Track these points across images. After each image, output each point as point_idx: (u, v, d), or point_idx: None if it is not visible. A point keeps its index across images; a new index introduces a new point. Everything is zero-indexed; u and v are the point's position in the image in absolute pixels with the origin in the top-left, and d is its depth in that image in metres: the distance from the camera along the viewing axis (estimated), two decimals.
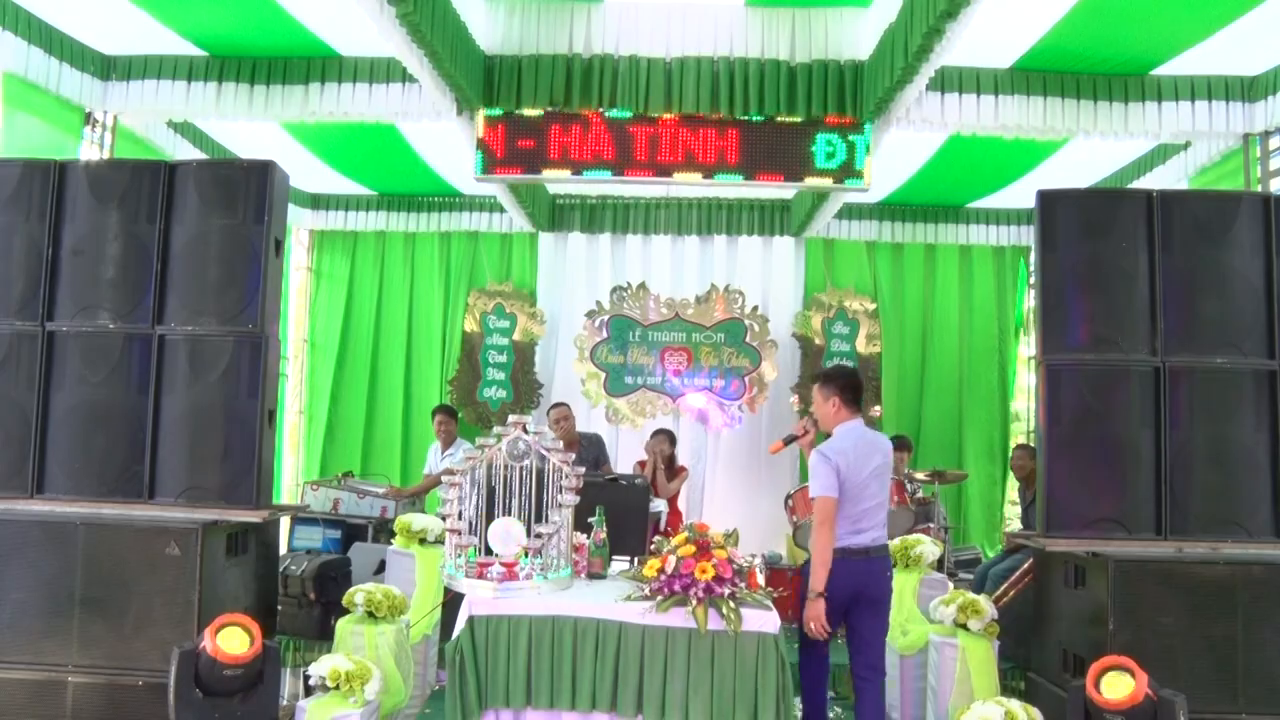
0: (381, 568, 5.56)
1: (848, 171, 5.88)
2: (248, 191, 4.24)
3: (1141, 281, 4.16)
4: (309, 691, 3.68)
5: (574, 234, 8.57)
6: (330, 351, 8.64)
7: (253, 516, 4.13)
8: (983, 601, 4.22)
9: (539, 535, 3.45)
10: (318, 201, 8.57)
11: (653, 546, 3.69)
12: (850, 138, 5.85)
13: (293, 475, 8.47)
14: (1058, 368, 4.26)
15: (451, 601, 4.08)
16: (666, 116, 5.88)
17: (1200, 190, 6.04)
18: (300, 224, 8.54)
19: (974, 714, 3.58)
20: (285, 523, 6.25)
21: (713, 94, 5.83)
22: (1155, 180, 6.65)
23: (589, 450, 6.56)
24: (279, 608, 5.03)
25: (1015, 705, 3.59)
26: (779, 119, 5.85)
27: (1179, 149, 6.43)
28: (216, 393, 4.17)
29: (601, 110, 5.89)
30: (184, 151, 6.69)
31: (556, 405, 6.81)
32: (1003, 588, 5.52)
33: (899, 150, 6.58)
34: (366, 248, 8.72)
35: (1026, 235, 8.15)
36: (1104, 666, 3.36)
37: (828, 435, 4.05)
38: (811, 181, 5.95)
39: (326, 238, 8.78)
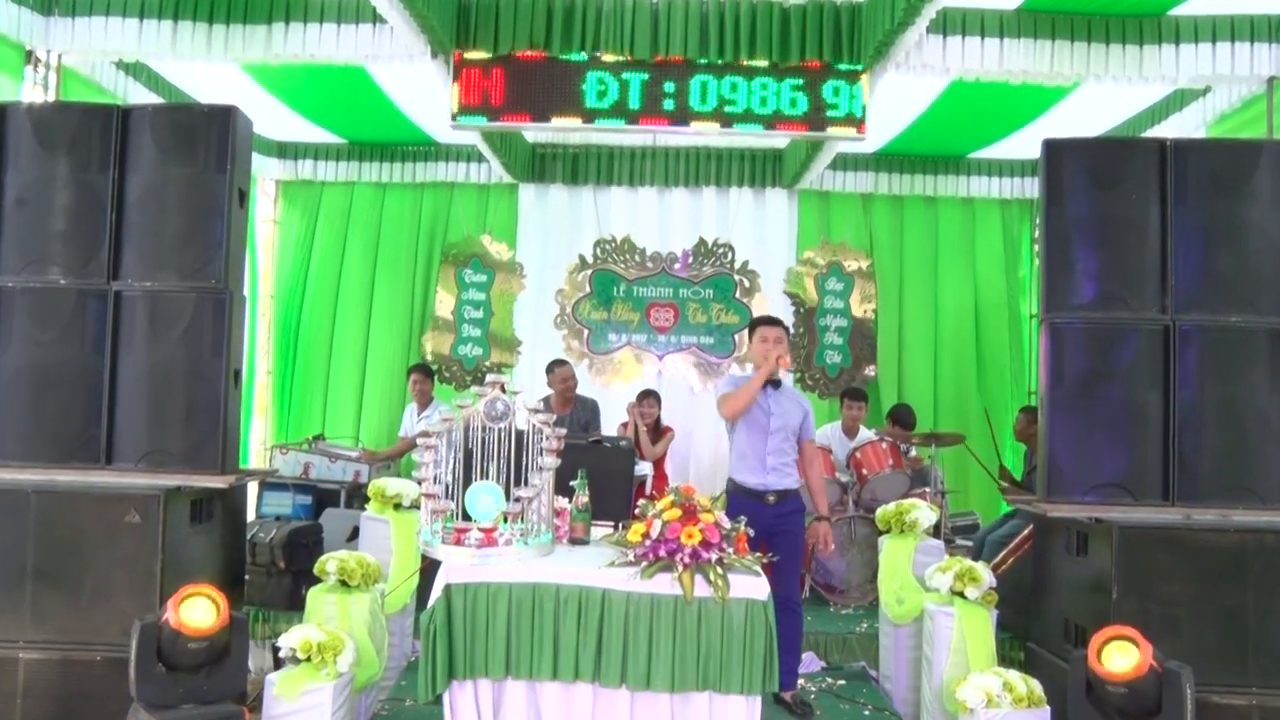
0: (355, 534, 5.55)
1: (846, 120, 5.79)
2: (209, 139, 4.15)
3: (1152, 236, 4.13)
4: (278, 664, 3.70)
5: (555, 185, 8.46)
6: (299, 308, 8.53)
7: (218, 482, 4.09)
8: (980, 569, 4.23)
9: (519, 499, 3.43)
10: (284, 150, 8.41)
11: (637, 511, 3.68)
12: (848, 84, 5.75)
13: (261, 438, 8.40)
14: (1061, 326, 4.26)
15: (428, 569, 4.08)
16: (655, 60, 5.75)
17: (1218, 139, 5.93)
18: (265, 174, 8.38)
19: (971, 685, 3.62)
20: (253, 488, 6.20)
21: (701, 38, 5.71)
22: (1170, 129, 6.53)
23: (581, 413, 6.56)
24: (247, 577, 5.01)
25: (1014, 676, 3.64)
26: (775, 64, 5.74)
27: (1197, 95, 6.30)
28: (178, 352, 4.11)
29: (585, 54, 5.76)
30: (137, 95, 6.51)
31: (562, 363, 6.81)
32: (1001, 554, 5.53)
33: (897, 97, 6.48)
34: (336, 199, 8.57)
35: (1033, 187, 8.07)
36: (1107, 637, 3.35)
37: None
38: (812, 131, 5.88)
39: (293, 188, 8.63)
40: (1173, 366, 4.08)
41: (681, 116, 5.78)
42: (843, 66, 5.73)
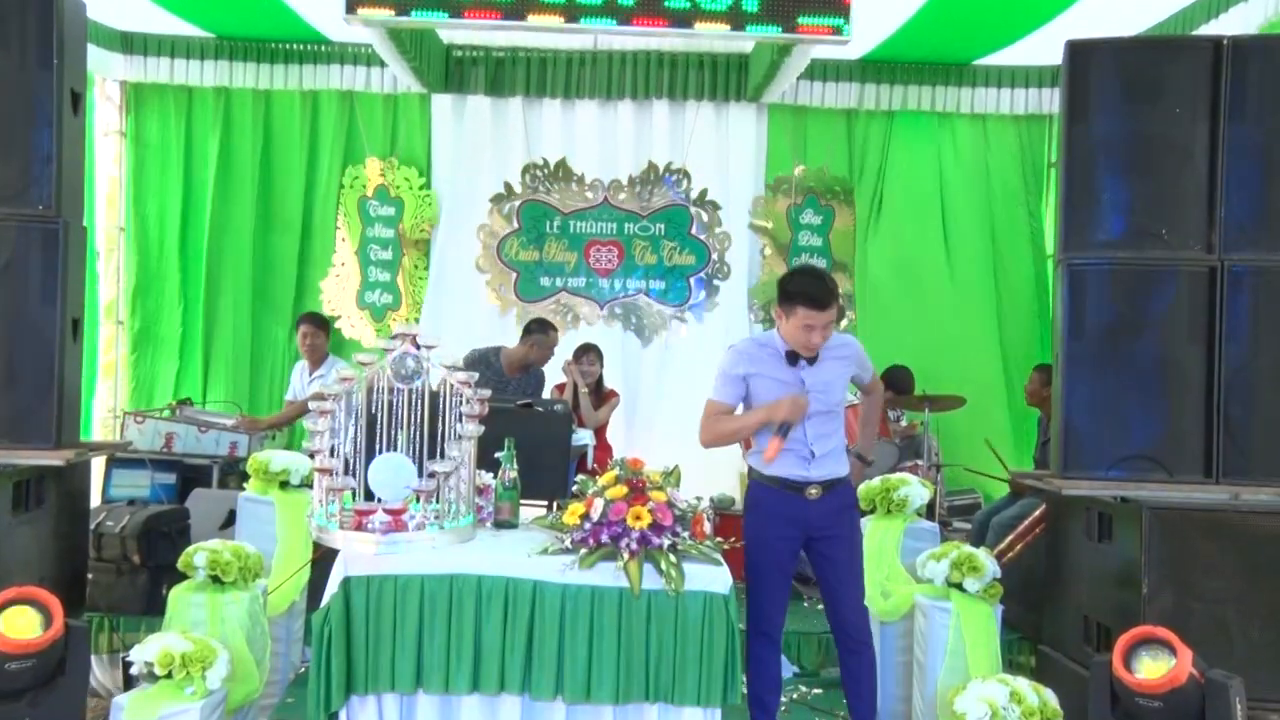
0: (231, 520, 5.50)
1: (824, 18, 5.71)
2: (24, 23, 3.99)
3: (1199, 158, 4.11)
4: (130, 683, 3.63)
5: (476, 96, 8.31)
6: (158, 244, 8.28)
7: (51, 458, 4.02)
8: (982, 556, 4.23)
9: (433, 475, 3.42)
10: (130, 43, 8.04)
11: (575, 488, 3.71)
12: None
13: (108, 404, 8.19)
14: (1082, 268, 4.28)
15: (322, 560, 4.06)
16: None
17: None
18: (107, 72, 8.01)
19: (971, 695, 3.61)
20: (99, 465, 5.99)
21: None
22: (1229, 25, 6.29)
23: (530, 381, 6.55)
24: (90, 576, 4.93)
25: (1023, 685, 3.63)
26: None
27: None
28: None
29: None
30: None
31: (554, 329, 6.83)
32: (1008, 540, 5.57)
33: None
34: (204, 108, 8.30)
35: (1053, 101, 8.00)
36: (1136, 639, 3.35)
37: None
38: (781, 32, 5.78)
39: (147, 93, 8.30)
40: (1219, 316, 4.08)
41: (616, 13, 5.65)
42: None
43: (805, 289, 3.81)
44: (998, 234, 8.38)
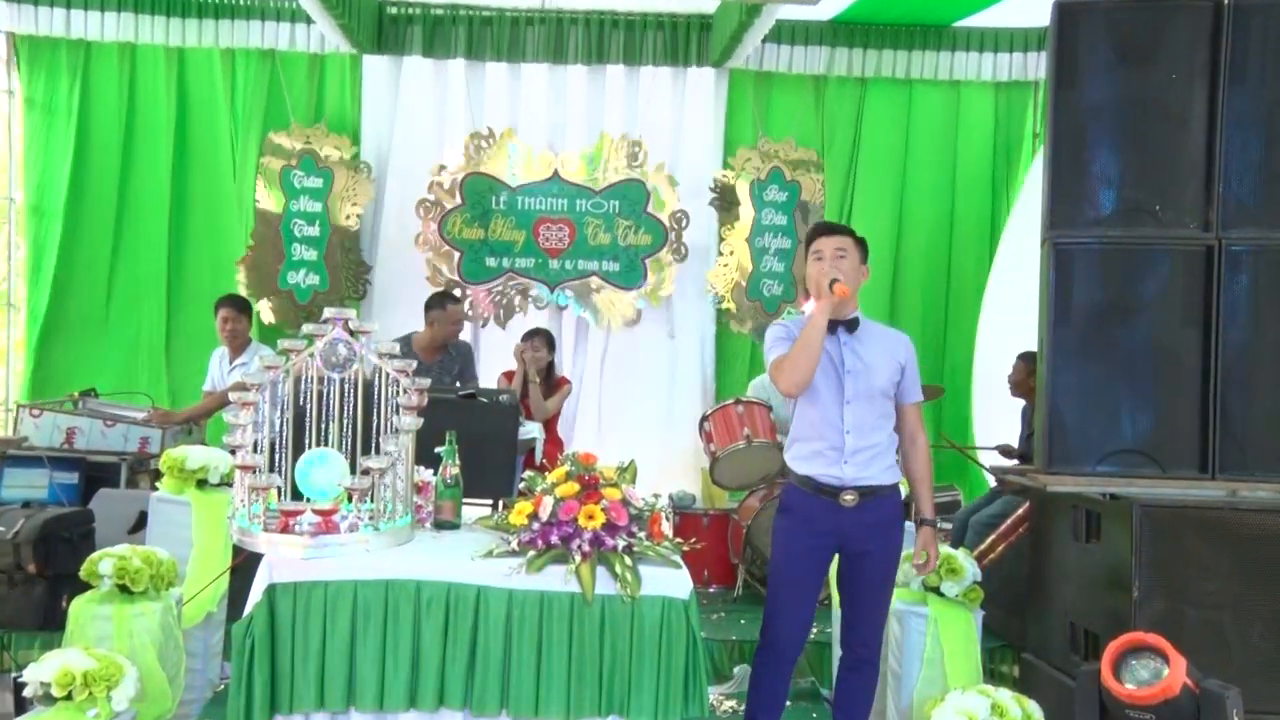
0: (141, 523, 5.41)
1: None
2: None
3: (1196, 127, 4.14)
4: (23, 705, 3.52)
5: (412, 58, 8.26)
6: (55, 216, 8.10)
7: None
8: (961, 558, 4.27)
9: (367, 471, 3.37)
10: None
11: (522, 485, 3.68)
12: None
13: None
14: (1069, 247, 4.29)
15: (244, 566, 4.03)
16: None
17: None
18: None
19: (950, 708, 3.64)
20: None
21: None
22: None
23: (454, 359, 6.52)
24: None
25: (1005, 696, 3.66)
26: None
27: None
28: None
29: None
30: None
31: (455, 300, 6.74)
32: (989, 540, 5.62)
33: None
34: (107, 66, 8.13)
35: (1039, 66, 8.05)
36: (1126, 647, 3.39)
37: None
38: None
39: (39, 48, 8.10)
40: (1217, 299, 4.10)
41: None
42: None
43: (816, 226, 3.97)
44: (966, 212, 8.44)
